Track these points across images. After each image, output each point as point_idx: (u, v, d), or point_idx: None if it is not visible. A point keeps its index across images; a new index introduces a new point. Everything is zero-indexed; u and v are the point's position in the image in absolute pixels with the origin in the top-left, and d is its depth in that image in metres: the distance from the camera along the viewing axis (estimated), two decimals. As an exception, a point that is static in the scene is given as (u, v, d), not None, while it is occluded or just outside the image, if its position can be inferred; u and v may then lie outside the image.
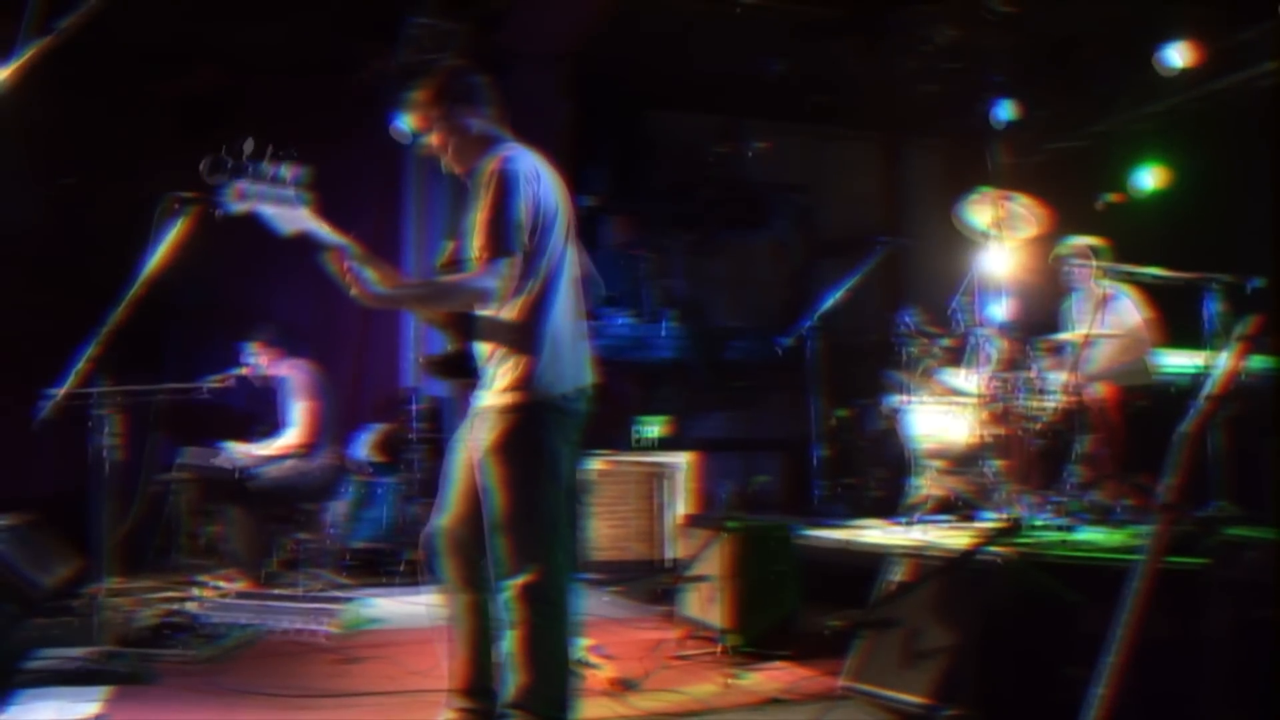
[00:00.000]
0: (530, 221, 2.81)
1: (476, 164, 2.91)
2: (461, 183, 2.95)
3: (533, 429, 2.82)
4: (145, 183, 4.31)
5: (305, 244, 2.71)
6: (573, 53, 6.87)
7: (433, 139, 2.97)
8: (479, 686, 2.98)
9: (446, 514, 3.00)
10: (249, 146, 2.51)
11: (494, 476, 2.82)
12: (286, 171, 2.58)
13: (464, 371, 2.97)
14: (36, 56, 1.99)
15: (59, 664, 3.84)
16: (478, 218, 2.79)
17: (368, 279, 2.71)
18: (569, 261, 2.96)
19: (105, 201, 6.54)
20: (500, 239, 2.74)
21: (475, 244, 2.78)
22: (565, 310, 2.91)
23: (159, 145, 6.96)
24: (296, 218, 2.63)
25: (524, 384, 2.81)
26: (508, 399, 2.81)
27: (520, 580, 2.79)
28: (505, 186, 2.76)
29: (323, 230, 2.68)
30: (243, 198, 2.54)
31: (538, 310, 2.85)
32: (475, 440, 2.88)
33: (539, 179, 2.86)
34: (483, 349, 2.91)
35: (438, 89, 2.94)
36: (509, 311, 2.85)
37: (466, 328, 2.94)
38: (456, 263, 2.94)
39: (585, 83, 7.28)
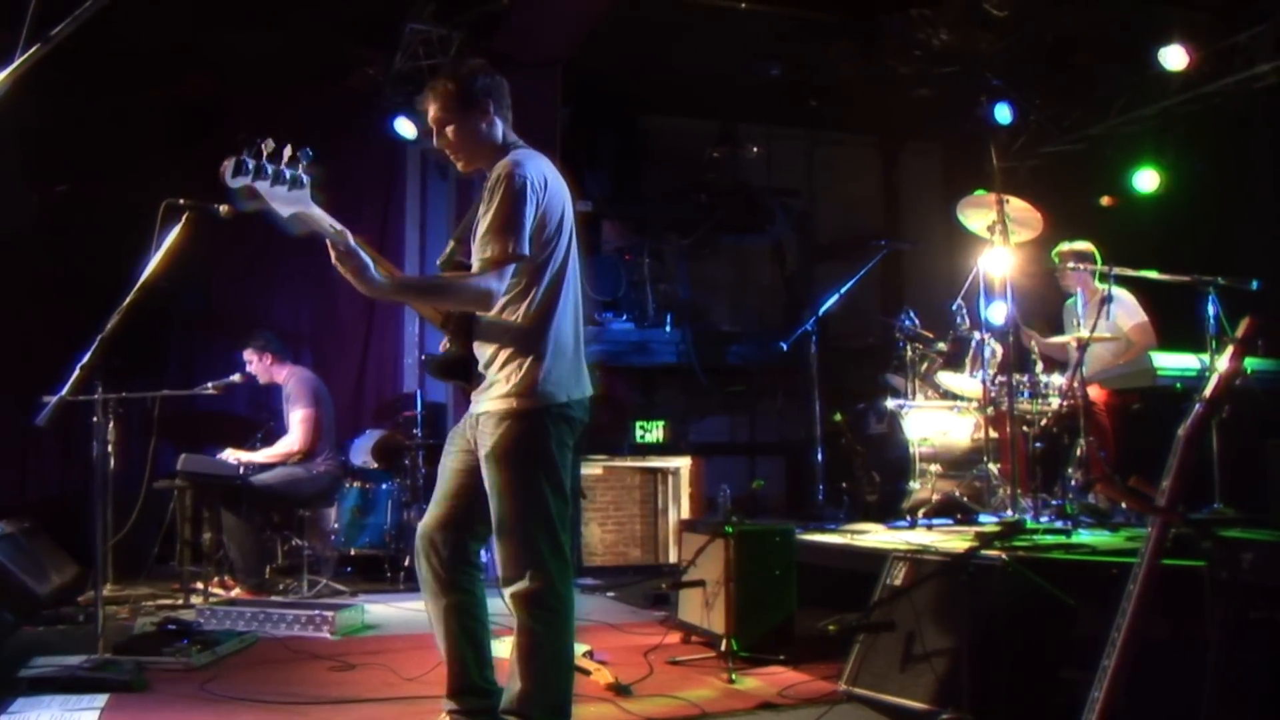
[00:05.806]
0: (537, 228, 2.80)
1: (487, 165, 2.90)
2: (464, 185, 2.93)
3: (535, 434, 2.81)
4: (141, 189, 4.32)
5: (307, 250, 2.70)
6: (568, 58, 6.87)
7: (445, 139, 2.93)
8: (472, 686, 2.97)
9: (433, 516, 2.99)
10: (268, 146, 2.50)
11: (496, 482, 2.81)
12: (301, 169, 2.56)
13: (465, 374, 2.96)
14: (31, 62, 1.99)
15: (57, 671, 3.82)
16: (484, 221, 2.78)
17: (370, 268, 2.67)
18: (573, 268, 2.95)
19: (101, 207, 6.55)
20: (506, 243, 2.73)
21: (480, 246, 2.77)
22: (569, 317, 2.91)
23: (154, 151, 6.97)
24: (305, 215, 2.60)
25: (528, 389, 2.80)
26: (511, 404, 2.80)
27: (521, 587, 2.79)
28: (514, 192, 2.75)
29: (328, 222, 2.65)
30: (254, 197, 2.53)
31: (543, 316, 2.85)
32: (477, 444, 2.87)
33: (546, 185, 2.85)
34: (485, 353, 2.90)
35: (453, 89, 2.88)
36: (514, 316, 2.84)
37: (469, 331, 2.93)
38: (456, 264, 2.93)
39: (581, 88, 7.29)
